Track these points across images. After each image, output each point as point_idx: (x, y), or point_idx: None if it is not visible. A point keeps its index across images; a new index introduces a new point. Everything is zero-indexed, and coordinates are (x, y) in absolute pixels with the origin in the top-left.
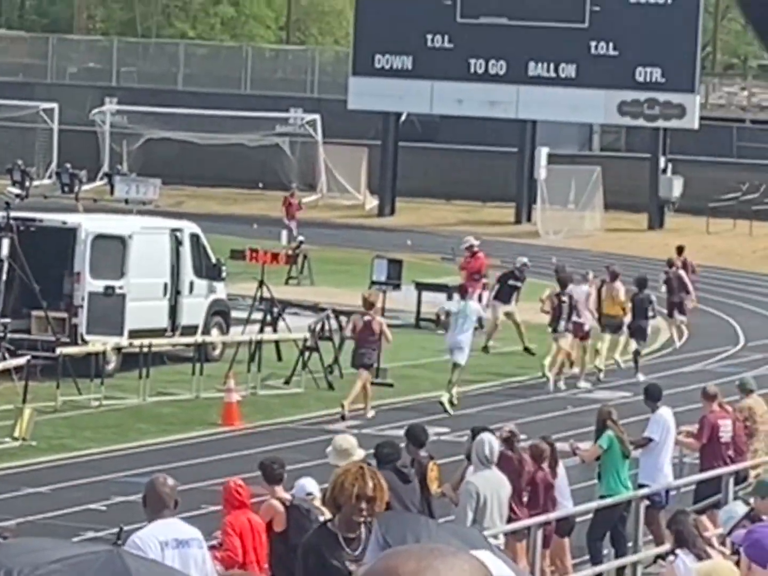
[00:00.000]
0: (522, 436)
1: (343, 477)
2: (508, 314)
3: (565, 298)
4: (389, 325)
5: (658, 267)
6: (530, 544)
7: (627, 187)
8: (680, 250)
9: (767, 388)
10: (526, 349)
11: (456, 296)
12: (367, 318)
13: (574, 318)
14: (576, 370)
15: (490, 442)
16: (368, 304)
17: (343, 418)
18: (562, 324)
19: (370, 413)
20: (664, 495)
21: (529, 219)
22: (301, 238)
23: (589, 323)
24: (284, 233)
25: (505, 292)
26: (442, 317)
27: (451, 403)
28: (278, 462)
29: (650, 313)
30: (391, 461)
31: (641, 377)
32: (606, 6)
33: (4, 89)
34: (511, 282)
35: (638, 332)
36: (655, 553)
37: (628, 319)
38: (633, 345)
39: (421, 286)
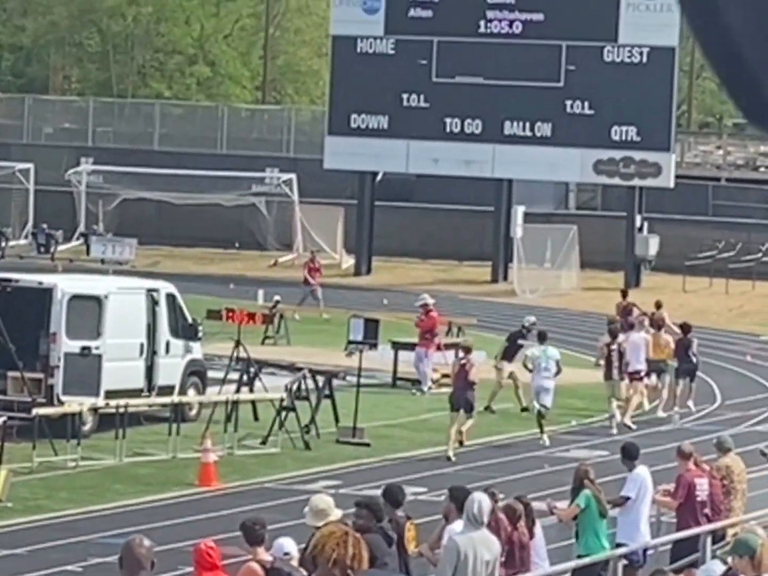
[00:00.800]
0: (500, 496)
1: (325, 539)
2: (510, 373)
3: (614, 347)
4: (366, 384)
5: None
6: None
7: (603, 245)
8: (659, 305)
9: (744, 447)
10: (525, 409)
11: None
12: (463, 362)
13: (635, 366)
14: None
15: (480, 502)
16: (464, 349)
17: (448, 459)
18: (615, 372)
19: (451, 452)
20: (642, 554)
21: (505, 278)
22: (277, 297)
23: (644, 367)
24: (260, 293)
25: (511, 352)
26: (529, 365)
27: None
28: (260, 522)
29: (693, 355)
30: (378, 519)
31: (692, 406)
32: (581, 65)
33: None
34: (519, 341)
35: (687, 372)
36: None
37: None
38: (681, 384)
39: (397, 346)
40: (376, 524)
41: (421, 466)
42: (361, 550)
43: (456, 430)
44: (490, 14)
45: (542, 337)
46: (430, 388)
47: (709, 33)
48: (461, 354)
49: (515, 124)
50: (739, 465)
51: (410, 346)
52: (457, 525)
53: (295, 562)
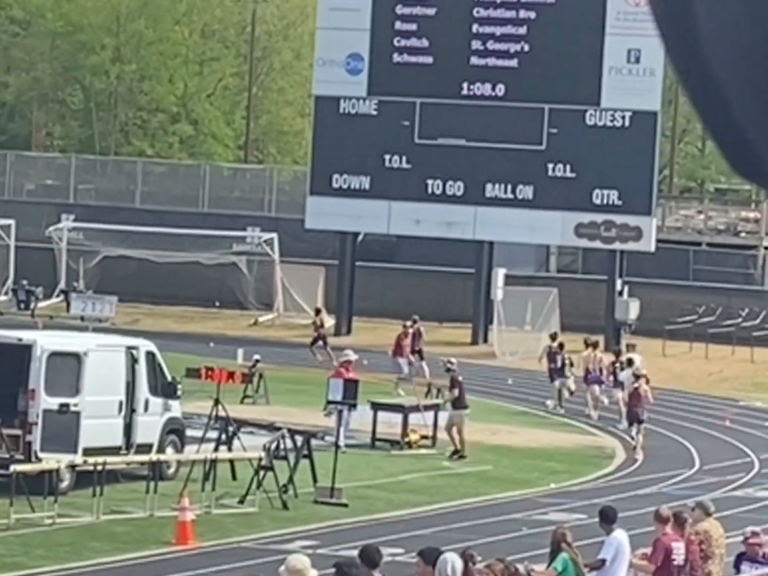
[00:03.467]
0: (478, 558)
1: None
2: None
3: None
4: (350, 445)
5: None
6: None
7: (583, 308)
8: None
9: (723, 512)
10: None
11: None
12: (636, 385)
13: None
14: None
15: (453, 562)
16: (636, 377)
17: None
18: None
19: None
20: None
21: (485, 340)
22: (257, 356)
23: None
24: (240, 352)
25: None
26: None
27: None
28: None
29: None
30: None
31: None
32: (563, 128)
33: None
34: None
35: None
36: None
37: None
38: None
39: (376, 406)
40: None
41: (399, 527)
42: None
43: (639, 438)
44: (473, 76)
45: (630, 363)
46: (346, 445)
47: (695, 80)
48: (633, 379)
49: (497, 186)
50: (718, 530)
51: (390, 407)
52: None
53: None
